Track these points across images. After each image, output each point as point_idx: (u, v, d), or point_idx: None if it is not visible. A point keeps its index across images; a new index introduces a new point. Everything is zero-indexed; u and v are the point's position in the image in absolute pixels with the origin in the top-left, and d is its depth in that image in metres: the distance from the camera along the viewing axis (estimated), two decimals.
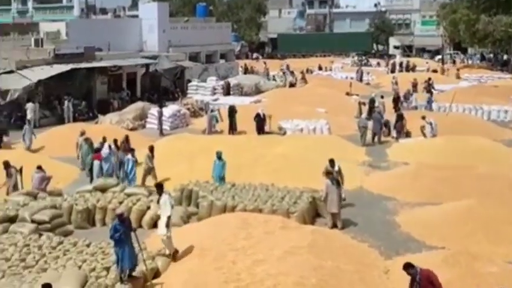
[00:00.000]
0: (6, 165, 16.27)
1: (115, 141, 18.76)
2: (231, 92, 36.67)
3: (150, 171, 17.52)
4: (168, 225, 11.80)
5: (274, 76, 44.77)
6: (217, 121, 25.51)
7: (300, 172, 17.59)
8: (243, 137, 23.52)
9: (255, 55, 63.33)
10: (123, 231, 10.86)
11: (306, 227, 13.37)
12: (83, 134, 20.18)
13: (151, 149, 17.76)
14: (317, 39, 76.93)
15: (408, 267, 9.34)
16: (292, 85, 40.65)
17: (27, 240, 12.76)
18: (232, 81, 38.50)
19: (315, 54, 70.49)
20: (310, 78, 43.45)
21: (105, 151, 17.76)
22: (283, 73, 45.14)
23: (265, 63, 53.72)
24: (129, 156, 17.26)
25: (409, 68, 51.85)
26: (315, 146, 20.63)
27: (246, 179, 16.61)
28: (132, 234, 11.19)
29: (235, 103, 27.93)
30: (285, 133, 24.40)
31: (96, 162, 17.56)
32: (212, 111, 26.03)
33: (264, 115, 24.75)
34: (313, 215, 15.00)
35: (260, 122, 24.46)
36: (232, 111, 25.28)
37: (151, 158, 17.53)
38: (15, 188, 16.27)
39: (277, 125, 25.18)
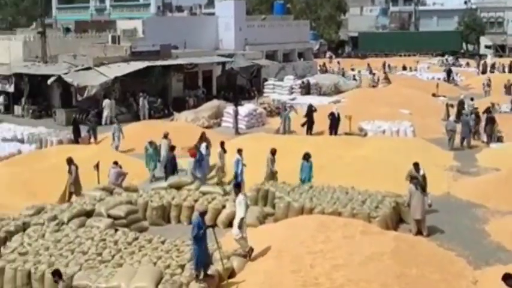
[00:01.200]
0: (69, 161, 16.92)
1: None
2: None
3: (222, 169, 17.79)
4: (240, 227, 11.95)
5: (354, 76, 44.32)
6: (289, 121, 25.64)
7: (382, 175, 17.34)
8: (321, 137, 23.46)
9: (328, 54, 62.87)
10: (205, 229, 11.12)
11: (389, 233, 13.14)
12: (166, 136, 19.93)
13: (223, 144, 17.90)
14: (401, 38, 75.30)
15: (508, 278, 9.00)
16: (373, 86, 40.12)
17: (104, 234, 13.31)
18: (311, 80, 38.50)
19: (398, 54, 69.11)
20: (393, 78, 42.67)
21: (203, 150, 17.71)
22: (359, 72, 44.68)
23: (338, 62, 53.29)
24: (238, 156, 17.14)
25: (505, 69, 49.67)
26: (398, 149, 20.26)
27: (325, 180, 16.55)
28: (210, 232, 11.43)
29: (313, 103, 27.88)
30: (365, 134, 24.12)
31: (190, 160, 17.50)
32: (286, 110, 26.17)
33: (338, 114, 24.62)
34: (396, 220, 14.75)
35: (334, 122, 24.34)
36: (310, 110, 25.29)
37: (223, 155, 17.78)
38: (74, 185, 16.76)
39: (357, 126, 24.94)
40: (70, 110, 29.94)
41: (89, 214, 14.71)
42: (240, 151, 17.14)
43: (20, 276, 11.69)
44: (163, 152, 19.28)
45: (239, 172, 16.82)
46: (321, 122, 24.76)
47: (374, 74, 43.77)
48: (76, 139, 23.77)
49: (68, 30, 43.11)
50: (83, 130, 24.64)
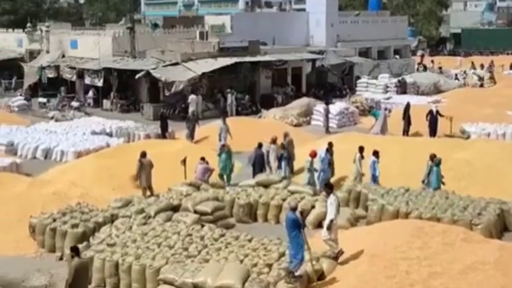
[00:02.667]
0: (142, 155, 17.45)
1: (330, 145, 18.20)
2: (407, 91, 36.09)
3: (360, 176, 17.62)
4: (329, 228, 11.94)
5: (456, 75, 42.90)
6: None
7: (486, 181, 16.80)
8: (419, 139, 22.94)
9: (419, 52, 61.10)
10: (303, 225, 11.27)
11: (493, 242, 12.66)
12: (273, 141, 19.14)
13: (362, 150, 17.59)
14: (509, 35, 72.00)
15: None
16: (481, 85, 38.68)
17: (190, 230, 13.72)
18: (407, 79, 37.73)
19: (506, 52, 66.12)
20: (500, 78, 40.92)
21: (322, 154, 17.61)
22: (464, 72, 43.12)
23: (432, 61, 51.70)
24: (374, 158, 16.97)
25: None
26: (504, 153, 19.39)
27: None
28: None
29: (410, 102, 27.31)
30: (468, 137, 23.35)
31: (309, 159, 17.44)
32: (386, 109, 25.81)
33: (437, 113, 23.98)
34: (501, 229, 14.27)
35: (434, 122, 23.73)
36: (407, 110, 24.83)
37: (360, 160, 17.54)
38: (145, 179, 17.21)
39: (459, 127, 24.19)
40: (157, 105, 31.07)
41: (175, 209, 15.24)
42: (376, 153, 16.92)
43: (108, 266, 12.32)
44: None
45: (377, 174, 16.73)
46: (419, 122, 24.19)
47: (478, 74, 42.14)
48: (163, 134, 24.63)
49: (156, 25, 44.63)
50: (170, 125, 25.45)
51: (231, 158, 18.60)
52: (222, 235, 13.51)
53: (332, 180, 16.80)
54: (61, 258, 13.47)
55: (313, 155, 17.32)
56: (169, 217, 14.72)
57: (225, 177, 18.57)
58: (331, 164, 17.54)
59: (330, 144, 18.07)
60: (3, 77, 41.73)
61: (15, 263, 13.11)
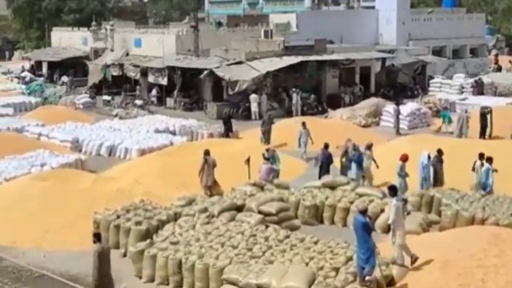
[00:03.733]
0: (206, 153, 17.85)
1: (439, 152, 17.42)
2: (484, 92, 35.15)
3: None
4: (389, 232, 11.75)
5: None
6: (450, 122, 24.80)
7: None
8: (497, 142, 22.25)
9: (493, 52, 59.03)
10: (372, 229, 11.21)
11: None
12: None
13: (440, 153, 17.26)
14: None
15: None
16: None
17: (254, 230, 13.82)
18: (485, 79, 36.71)
19: None
20: None
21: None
22: None
23: (510, 61, 49.90)
24: (488, 165, 16.34)
25: None
26: None
27: (501, 189, 15.73)
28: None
29: (488, 104, 26.61)
30: None
31: (400, 163, 17.13)
32: (466, 111, 25.23)
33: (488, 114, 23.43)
34: None
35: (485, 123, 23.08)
36: (484, 112, 24.19)
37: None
38: (208, 178, 17.58)
39: None
40: (221, 103, 31.50)
41: (239, 209, 15.34)
42: (489, 160, 16.31)
43: (171, 264, 12.58)
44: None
45: (490, 182, 16.16)
46: (499, 127, 23.52)
47: None
48: (227, 133, 24.93)
49: (220, 24, 45.22)
50: (234, 124, 25.73)
51: (276, 162, 18.37)
52: (287, 237, 13.54)
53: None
54: (125, 255, 13.83)
55: (404, 159, 16.92)
56: (232, 217, 14.85)
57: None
58: (436, 172, 17.04)
59: (440, 152, 17.31)
60: (69, 74, 43.30)
61: (79, 259, 13.54)
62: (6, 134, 25.52)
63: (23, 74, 47.58)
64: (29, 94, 39.08)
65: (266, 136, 23.85)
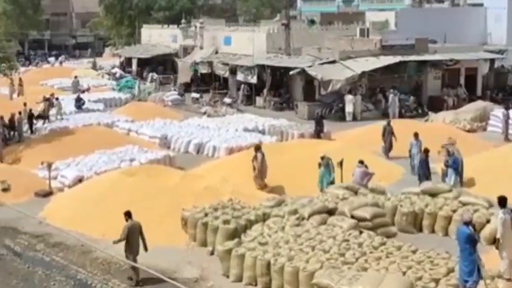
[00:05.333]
0: (257, 148, 18.45)
1: None
2: None
3: None
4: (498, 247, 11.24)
5: None
6: None
7: None
8: None
9: None
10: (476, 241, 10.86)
11: None
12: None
13: None
14: None
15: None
16: None
17: (347, 235, 13.69)
18: None
19: None
20: None
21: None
22: None
23: None
24: None
25: None
26: None
27: None
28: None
29: None
30: None
31: None
32: None
33: None
34: None
35: None
36: None
37: None
38: (261, 173, 17.98)
39: None
40: (312, 103, 31.48)
41: (330, 212, 15.24)
42: None
43: (259, 265, 12.65)
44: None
45: None
46: None
47: None
48: (318, 134, 24.83)
49: (312, 22, 45.15)
50: (326, 125, 25.63)
51: (330, 171, 17.86)
52: (383, 244, 13.36)
53: None
54: (212, 253, 14.04)
55: None
56: (324, 220, 14.79)
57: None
58: None
59: None
60: (158, 71, 44.62)
61: (167, 254, 13.91)
62: (97, 128, 26.66)
63: (113, 70, 49.57)
64: (119, 90, 40.62)
65: (388, 147, 22.62)
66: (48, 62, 63.16)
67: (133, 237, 12.83)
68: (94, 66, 53.46)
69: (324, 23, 42.85)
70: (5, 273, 13.41)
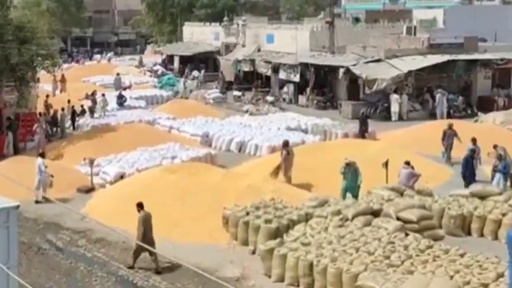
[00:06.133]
0: (285, 144, 19.00)
1: None
2: None
3: None
4: None
5: None
6: None
7: None
8: None
9: None
10: None
11: None
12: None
13: None
14: None
15: None
16: None
17: (392, 237, 13.59)
18: None
19: None
20: None
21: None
22: None
23: None
24: None
25: None
26: None
27: None
28: None
29: None
30: None
31: None
32: None
33: None
34: None
35: None
36: None
37: None
38: (286, 169, 18.39)
39: None
40: (357, 103, 31.30)
41: (375, 213, 15.18)
42: None
43: (301, 265, 12.65)
44: None
45: None
46: None
47: None
48: (363, 134, 24.66)
49: (357, 20, 44.89)
50: (371, 125, 25.45)
51: (357, 176, 17.40)
52: (429, 247, 13.25)
53: None
54: (253, 252, 14.07)
55: None
56: (368, 221, 14.72)
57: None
58: None
59: None
60: (199, 69, 44.95)
61: (208, 252, 14.03)
62: (138, 125, 27.01)
63: (155, 68, 50.15)
64: (161, 88, 41.07)
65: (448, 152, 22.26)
66: (90, 59, 64.31)
67: (147, 228, 13.53)
68: (140, 64, 54.22)
69: (369, 21, 42.60)
70: (48, 267, 13.71)
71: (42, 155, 19.31)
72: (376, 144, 22.46)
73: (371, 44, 35.02)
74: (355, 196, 17.04)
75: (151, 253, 13.15)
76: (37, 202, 17.78)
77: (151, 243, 13.30)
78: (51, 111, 27.73)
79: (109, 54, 64.59)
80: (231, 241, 14.83)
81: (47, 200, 17.14)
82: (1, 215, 8.84)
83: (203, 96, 36.30)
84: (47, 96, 30.17)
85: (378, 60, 32.50)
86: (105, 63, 58.16)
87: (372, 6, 56.91)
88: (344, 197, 17.14)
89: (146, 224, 13.56)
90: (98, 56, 65.21)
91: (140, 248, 13.21)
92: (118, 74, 42.34)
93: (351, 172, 17.38)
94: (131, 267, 13.51)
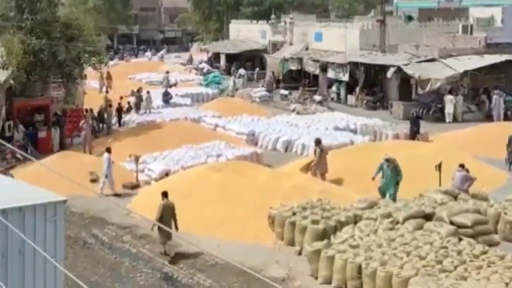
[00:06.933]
0: (318, 142, 19.46)
1: None
2: None
3: None
4: None
5: None
6: None
7: None
8: None
9: None
10: None
11: None
12: None
13: None
14: None
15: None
16: None
17: (445, 242, 13.41)
18: None
19: None
20: None
21: None
22: None
23: None
24: None
25: None
26: None
27: None
28: None
29: None
30: None
31: None
32: None
33: None
34: None
35: None
36: None
37: None
38: (318, 166, 18.98)
39: None
40: (408, 103, 30.93)
41: (427, 217, 14.96)
42: None
43: (350, 268, 12.59)
44: None
45: None
46: None
47: None
48: (414, 135, 24.39)
49: (410, 18, 44.44)
50: (424, 126, 25.17)
51: (397, 174, 17.15)
52: (484, 252, 13.03)
53: None
54: (300, 253, 14.05)
55: None
56: (420, 225, 14.55)
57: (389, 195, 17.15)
58: None
59: None
60: (246, 67, 45.11)
61: (253, 252, 14.09)
62: (184, 123, 27.28)
63: (200, 66, 50.58)
64: (206, 85, 41.39)
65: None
66: (136, 57, 65.21)
67: (166, 216, 14.39)
68: (190, 62, 54.81)
69: (423, 19, 42.13)
70: (93, 261, 14.00)
71: (109, 150, 19.63)
72: (429, 146, 22.16)
73: (424, 43, 34.69)
74: (393, 194, 16.89)
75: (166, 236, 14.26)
76: (103, 195, 18.30)
77: (168, 232, 14.14)
78: (110, 105, 28.21)
79: (161, 52, 65.32)
80: (277, 241, 14.85)
81: (108, 195, 17.97)
82: (49, 209, 9.10)
83: (249, 95, 36.43)
84: (107, 92, 30.78)
85: (432, 60, 32.14)
86: (156, 60, 58.91)
87: (425, 4, 56.12)
88: (384, 195, 17.03)
89: (164, 212, 14.41)
90: (148, 54, 66.10)
91: (159, 233, 14.22)
92: (167, 72, 43.04)
93: (390, 169, 17.17)
94: (167, 255, 14.24)
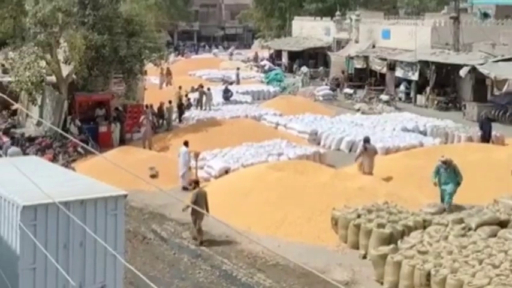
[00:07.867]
0: (366, 140, 19.85)
1: None
2: None
3: None
4: None
5: None
6: None
7: None
8: None
9: None
10: None
11: None
12: None
13: None
14: None
15: None
16: None
17: None
18: None
19: None
20: None
21: None
22: None
23: None
24: None
25: None
26: None
27: None
28: None
29: None
30: None
31: None
32: None
33: None
34: None
35: None
36: None
37: None
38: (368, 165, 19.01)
39: None
40: (483, 104, 30.38)
41: (502, 224, 14.70)
42: None
43: (418, 275, 12.40)
44: None
45: None
46: None
47: None
48: (485, 138, 23.85)
49: (486, 15, 43.61)
50: (499, 129, 24.62)
51: (456, 176, 16.52)
52: None
53: None
54: (364, 257, 13.93)
55: None
56: (493, 232, 14.29)
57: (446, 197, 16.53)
58: None
59: None
60: (309, 65, 45.03)
61: (315, 253, 14.05)
62: (244, 121, 27.42)
63: (262, 63, 50.77)
64: (268, 83, 41.52)
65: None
66: (196, 53, 65.99)
67: (200, 203, 14.87)
68: (255, 59, 55.19)
69: (500, 16, 41.26)
70: (152, 256, 14.22)
71: (186, 144, 20.01)
72: (504, 150, 21.59)
73: (501, 42, 34.05)
74: (452, 193, 16.33)
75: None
76: (184, 189, 18.82)
77: (201, 218, 14.84)
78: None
79: (230, 49, 65.94)
80: (340, 243, 14.79)
81: (184, 188, 18.48)
82: (110, 203, 9.31)
83: (312, 93, 36.36)
84: (180, 87, 31.28)
85: (509, 60, 31.49)
86: (220, 57, 59.52)
87: (503, 1, 54.86)
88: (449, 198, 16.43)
89: (197, 199, 14.94)
90: (215, 50, 66.79)
91: (195, 220, 14.94)
92: (238, 69, 43.64)
93: (448, 172, 16.62)
94: (201, 243, 14.79)
